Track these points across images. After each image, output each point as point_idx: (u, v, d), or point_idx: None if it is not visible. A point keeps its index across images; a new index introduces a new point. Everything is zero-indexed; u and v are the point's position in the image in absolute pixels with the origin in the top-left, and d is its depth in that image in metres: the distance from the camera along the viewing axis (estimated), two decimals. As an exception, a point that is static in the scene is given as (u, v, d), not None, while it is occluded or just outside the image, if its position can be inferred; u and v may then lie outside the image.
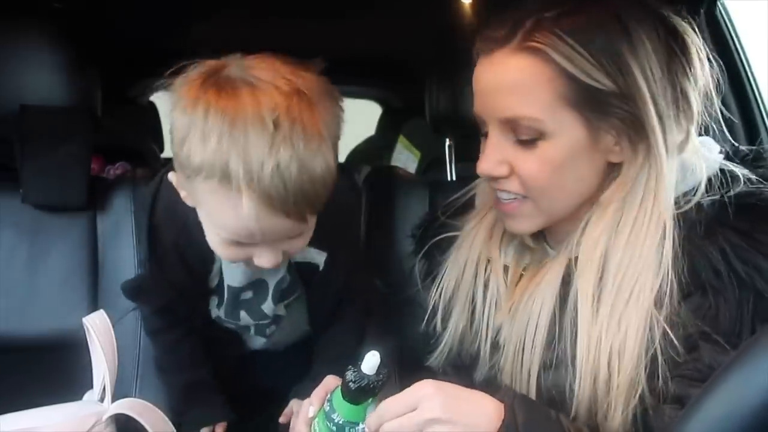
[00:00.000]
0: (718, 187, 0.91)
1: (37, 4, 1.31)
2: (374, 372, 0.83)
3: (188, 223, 1.04)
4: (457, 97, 1.49)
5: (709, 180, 0.93)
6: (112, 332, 1.02)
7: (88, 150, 1.34)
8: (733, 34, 1.58)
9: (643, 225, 0.90)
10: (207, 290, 1.14)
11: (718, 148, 0.98)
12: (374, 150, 2.86)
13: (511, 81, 0.90)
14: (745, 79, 1.58)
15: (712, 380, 0.64)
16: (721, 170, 0.94)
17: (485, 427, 0.81)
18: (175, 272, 1.10)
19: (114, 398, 0.97)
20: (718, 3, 1.56)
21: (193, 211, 1.00)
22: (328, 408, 0.88)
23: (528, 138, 0.91)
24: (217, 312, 1.18)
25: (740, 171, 0.93)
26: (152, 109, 2.94)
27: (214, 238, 0.98)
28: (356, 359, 0.85)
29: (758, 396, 0.60)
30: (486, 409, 0.83)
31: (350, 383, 0.84)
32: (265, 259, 0.97)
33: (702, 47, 0.93)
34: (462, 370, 1.08)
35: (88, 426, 0.96)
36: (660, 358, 0.87)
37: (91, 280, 1.31)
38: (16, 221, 1.30)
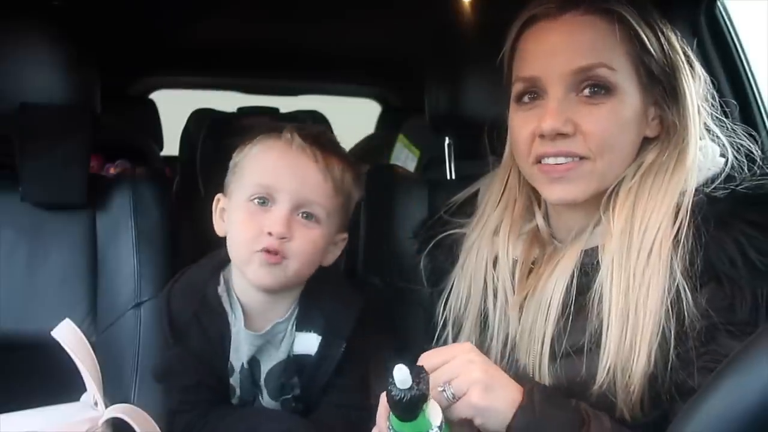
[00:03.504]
0: (728, 180, 0.97)
1: (36, 2, 1.31)
2: (409, 383, 0.81)
3: (207, 294, 1.15)
4: (457, 96, 1.49)
5: (716, 176, 0.98)
6: (85, 339, 1.03)
7: (88, 148, 1.33)
8: (733, 34, 1.58)
9: (664, 184, 0.96)
10: (226, 369, 1.16)
11: (718, 149, 1.02)
12: (374, 148, 2.86)
13: (587, 37, 0.97)
14: (745, 79, 1.58)
15: (713, 378, 0.65)
16: (725, 167, 0.99)
17: (505, 409, 0.86)
18: (198, 344, 1.14)
19: (113, 398, 0.98)
20: (718, 3, 1.56)
21: (211, 283, 1.15)
22: None
23: (597, 91, 0.96)
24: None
25: (746, 167, 0.99)
26: (152, 107, 2.94)
27: (240, 212, 1.11)
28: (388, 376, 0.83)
29: (758, 394, 0.60)
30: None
31: (396, 403, 0.82)
32: (276, 222, 1.07)
33: (695, 53, 1.04)
34: None
35: (83, 429, 0.97)
36: (682, 294, 0.91)
37: (91, 279, 1.31)
38: (15, 219, 1.30)
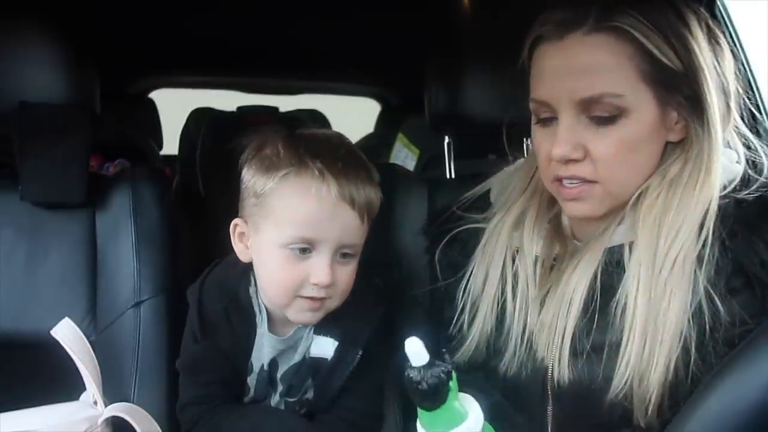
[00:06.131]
0: (749, 183, 0.96)
1: (36, 2, 1.31)
2: (426, 359, 0.73)
3: (239, 293, 1.15)
4: (456, 95, 1.49)
5: (734, 180, 0.97)
6: (84, 338, 1.03)
7: (87, 147, 1.33)
8: (733, 34, 1.58)
9: (692, 198, 0.94)
10: (247, 368, 1.16)
11: (735, 154, 1.02)
12: (373, 148, 2.86)
13: (592, 60, 0.94)
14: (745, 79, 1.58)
15: (712, 376, 0.65)
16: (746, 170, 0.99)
17: None
18: (225, 341, 1.14)
19: (113, 397, 0.98)
20: (718, 3, 1.56)
21: (243, 282, 1.14)
22: None
23: (607, 116, 0.94)
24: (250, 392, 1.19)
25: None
26: (151, 106, 2.94)
27: (276, 255, 1.07)
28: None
29: (758, 392, 0.60)
30: None
31: (415, 387, 0.73)
32: (321, 272, 1.05)
33: (725, 39, 1.00)
34: (488, 365, 1.08)
35: (83, 428, 0.97)
36: (706, 305, 0.90)
37: (90, 278, 1.31)
38: (14, 219, 1.30)
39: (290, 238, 1.06)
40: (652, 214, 0.95)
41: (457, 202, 1.19)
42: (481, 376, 1.08)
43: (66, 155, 1.29)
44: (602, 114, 0.94)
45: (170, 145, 2.87)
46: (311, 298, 1.07)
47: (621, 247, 0.98)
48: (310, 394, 1.18)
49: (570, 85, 0.95)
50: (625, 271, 0.96)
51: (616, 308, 0.95)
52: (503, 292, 1.06)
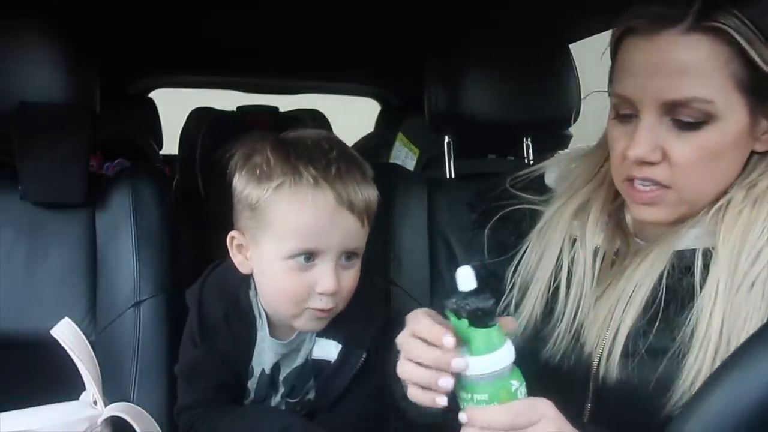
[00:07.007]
0: None
1: (36, 1, 1.31)
2: (473, 288, 0.76)
3: (239, 297, 1.13)
4: (456, 95, 1.49)
5: None
6: (84, 338, 1.03)
7: (87, 147, 1.33)
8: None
9: None
10: (247, 372, 1.15)
11: None
12: (373, 147, 2.86)
13: (685, 61, 0.88)
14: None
15: (712, 375, 0.64)
16: None
17: None
18: (225, 345, 1.13)
19: (113, 397, 0.98)
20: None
21: (244, 286, 1.13)
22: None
23: (692, 121, 0.88)
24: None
25: None
26: (151, 105, 2.94)
27: (279, 267, 1.05)
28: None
29: (759, 392, 0.60)
30: None
31: (467, 306, 0.76)
32: (326, 280, 1.04)
33: None
34: (527, 349, 1.02)
35: (83, 428, 0.97)
36: None
37: (90, 278, 1.31)
38: (14, 219, 1.30)
39: (292, 251, 1.04)
40: (733, 230, 0.90)
41: (511, 179, 1.13)
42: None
43: (66, 155, 1.29)
44: (688, 119, 0.88)
45: (170, 145, 2.87)
46: (321, 309, 1.06)
47: (693, 252, 0.93)
48: (311, 395, 1.18)
49: (658, 84, 0.89)
50: (694, 278, 0.92)
51: (687, 320, 0.90)
52: (556, 278, 1.01)
